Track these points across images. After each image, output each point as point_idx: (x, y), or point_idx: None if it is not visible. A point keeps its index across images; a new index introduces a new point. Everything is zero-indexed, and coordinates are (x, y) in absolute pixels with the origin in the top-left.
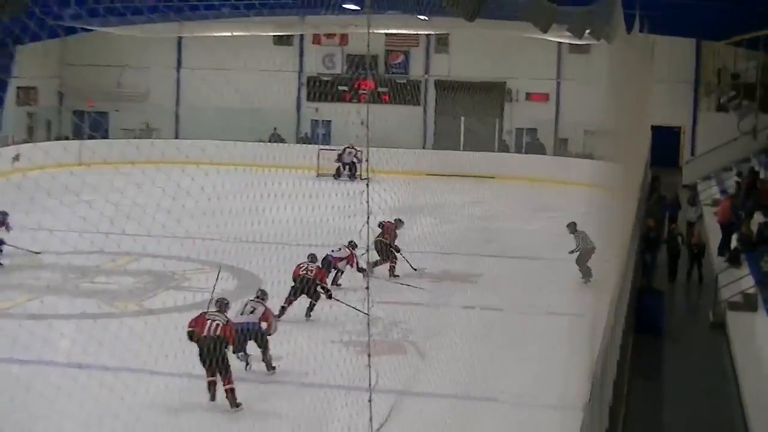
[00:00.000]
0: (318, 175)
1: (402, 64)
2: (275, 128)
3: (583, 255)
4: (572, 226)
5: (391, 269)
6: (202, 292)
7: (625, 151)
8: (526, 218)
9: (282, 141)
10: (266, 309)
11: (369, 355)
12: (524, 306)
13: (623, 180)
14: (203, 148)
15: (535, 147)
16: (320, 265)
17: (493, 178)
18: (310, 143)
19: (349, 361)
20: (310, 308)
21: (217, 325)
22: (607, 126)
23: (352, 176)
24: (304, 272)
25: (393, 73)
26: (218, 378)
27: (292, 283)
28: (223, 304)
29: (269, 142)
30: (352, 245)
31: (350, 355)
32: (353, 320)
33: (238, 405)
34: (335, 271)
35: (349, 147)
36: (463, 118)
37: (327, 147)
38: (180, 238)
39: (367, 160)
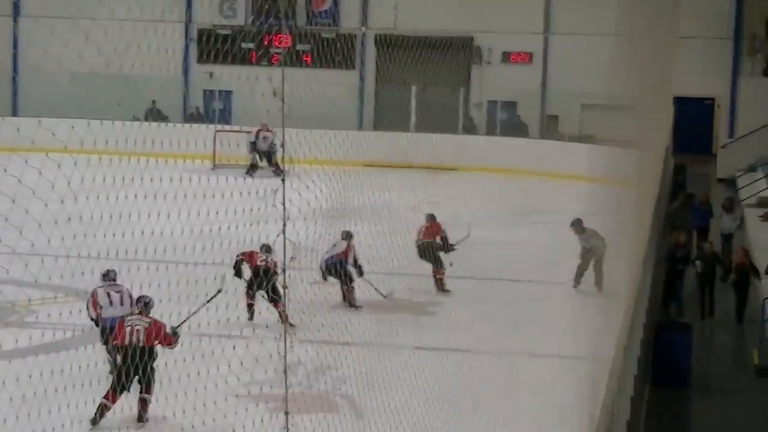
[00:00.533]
0: (215, 167)
1: (329, 12)
2: (154, 101)
3: (587, 257)
4: (578, 226)
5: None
6: (55, 329)
7: (640, 132)
8: (502, 225)
9: (164, 119)
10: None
11: (287, 414)
12: (499, 346)
13: (638, 172)
14: (53, 130)
15: (515, 127)
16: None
17: (455, 170)
18: (203, 122)
19: (260, 422)
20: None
21: (138, 330)
22: (614, 97)
23: (277, 170)
24: (262, 263)
25: (317, 24)
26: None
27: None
28: (144, 303)
29: (145, 120)
30: (265, 250)
31: (261, 413)
32: (266, 364)
33: (145, 420)
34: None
35: (262, 129)
36: (414, 88)
37: (227, 128)
38: (23, 256)
39: (282, 146)
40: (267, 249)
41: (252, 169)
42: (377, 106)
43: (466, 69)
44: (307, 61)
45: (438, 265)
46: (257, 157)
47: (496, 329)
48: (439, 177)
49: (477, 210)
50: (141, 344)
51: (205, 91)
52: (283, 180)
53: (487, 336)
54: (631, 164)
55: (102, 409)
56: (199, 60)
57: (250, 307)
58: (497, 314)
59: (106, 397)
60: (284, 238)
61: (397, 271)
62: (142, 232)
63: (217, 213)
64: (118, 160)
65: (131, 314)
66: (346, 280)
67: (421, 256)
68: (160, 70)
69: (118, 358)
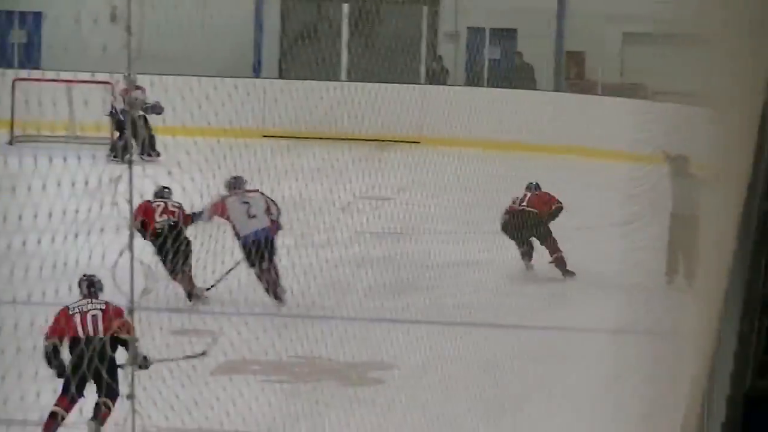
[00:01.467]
0: (12, 141)
1: None
2: None
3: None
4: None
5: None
6: None
7: (720, 79)
8: (487, 234)
9: None
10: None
11: None
12: None
13: (716, 144)
14: None
15: (513, 72)
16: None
17: (415, 142)
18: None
19: None
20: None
21: (94, 317)
22: (676, 22)
23: (146, 149)
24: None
25: None
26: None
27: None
28: (93, 282)
29: None
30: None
31: None
32: None
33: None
34: None
35: (128, 86)
36: (346, 5)
37: (33, 75)
38: None
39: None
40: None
41: (122, 150)
42: (285, 35)
43: None
44: None
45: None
46: (117, 123)
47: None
48: (388, 154)
49: (445, 208)
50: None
51: None
52: (130, 162)
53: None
54: (705, 132)
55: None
56: None
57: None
58: (474, 385)
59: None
60: (131, 258)
61: (307, 310)
62: None
63: (20, 217)
64: None
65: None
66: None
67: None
68: None
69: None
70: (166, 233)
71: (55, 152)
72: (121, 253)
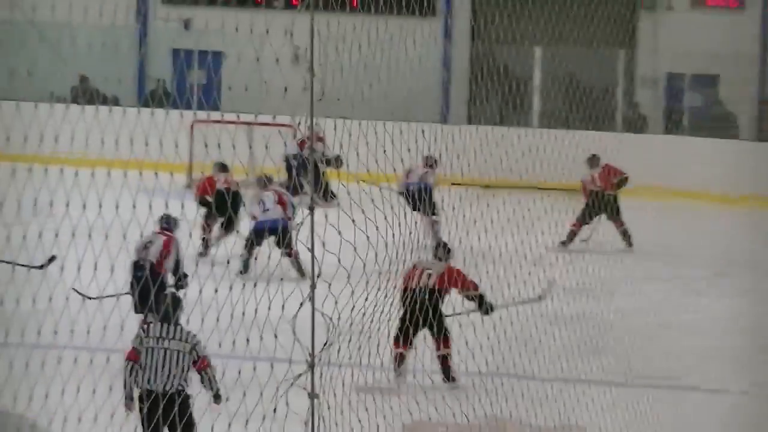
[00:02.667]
0: (191, 185)
1: None
2: (84, 77)
3: None
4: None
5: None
6: None
7: None
8: (689, 291)
9: (104, 101)
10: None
11: None
12: None
13: None
14: None
15: (716, 119)
16: None
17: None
18: (172, 107)
19: None
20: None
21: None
22: None
23: (327, 193)
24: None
25: None
26: None
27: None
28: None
29: (74, 102)
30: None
31: None
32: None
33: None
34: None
35: (306, 135)
36: (538, 50)
37: (213, 117)
38: None
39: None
40: (222, 168)
41: (294, 186)
42: (474, 78)
43: (628, 19)
44: (353, 1)
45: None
46: (292, 169)
47: None
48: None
49: (649, 267)
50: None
51: (175, 52)
52: (311, 209)
53: None
54: None
55: None
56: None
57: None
58: None
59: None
60: (312, 309)
61: None
62: None
63: (196, 264)
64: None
65: None
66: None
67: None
68: (98, 17)
69: None
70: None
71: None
72: (301, 305)
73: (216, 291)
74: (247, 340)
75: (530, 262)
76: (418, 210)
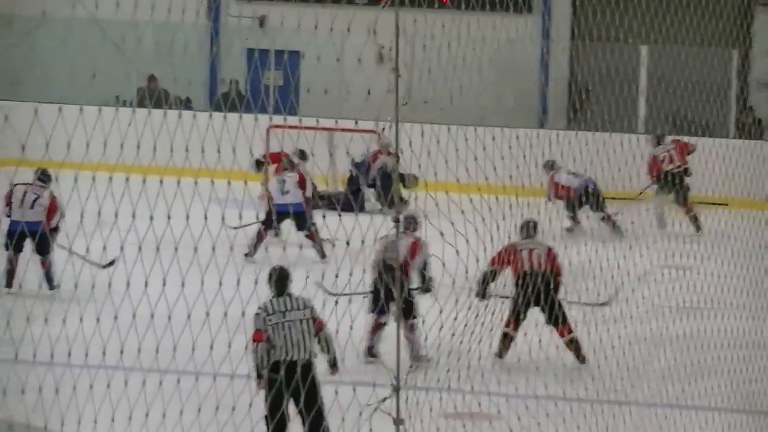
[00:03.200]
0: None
1: None
2: (151, 76)
3: None
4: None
5: None
6: None
7: None
8: None
9: (172, 104)
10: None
11: None
12: None
13: None
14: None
15: None
16: None
17: (724, 204)
18: (247, 111)
19: None
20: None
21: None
22: None
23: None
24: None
25: None
26: None
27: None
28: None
29: (140, 106)
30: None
31: None
32: None
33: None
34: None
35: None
36: (644, 49)
37: (289, 121)
38: None
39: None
40: (302, 155)
41: (354, 192)
42: (574, 80)
43: (743, 16)
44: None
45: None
46: (357, 176)
47: None
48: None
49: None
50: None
51: (249, 52)
52: (397, 221)
53: None
54: None
55: None
56: None
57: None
58: None
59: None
60: (398, 330)
61: None
62: None
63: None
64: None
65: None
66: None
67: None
68: (167, 15)
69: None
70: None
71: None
72: (385, 324)
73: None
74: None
75: (634, 278)
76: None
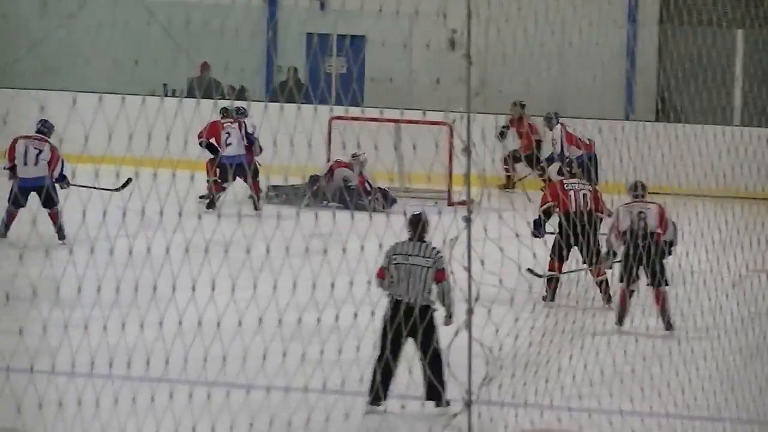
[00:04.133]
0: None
1: None
2: (205, 63)
3: None
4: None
5: None
6: None
7: None
8: None
9: (226, 93)
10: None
11: None
12: None
13: None
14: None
15: None
16: None
17: None
18: (306, 101)
19: None
20: None
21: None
22: None
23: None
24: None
25: None
26: None
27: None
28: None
29: (189, 95)
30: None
31: None
32: None
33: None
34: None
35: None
36: (740, 32)
37: (352, 112)
38: None
39: (468, 152)
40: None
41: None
42: (663, 68)
43: None
44: None
45: None
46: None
47: None
48: None
49: None
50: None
51: (309, 37)
52: (468, 220)
53: None
54: None
55: None
56: None
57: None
58: None
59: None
60: (469, 338)
61: None
62: None
63: (333, 286)
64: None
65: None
66: None
67: None
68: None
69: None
70: None
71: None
72: (456, 333)
73: (356, 316)
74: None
75: (728, 284)
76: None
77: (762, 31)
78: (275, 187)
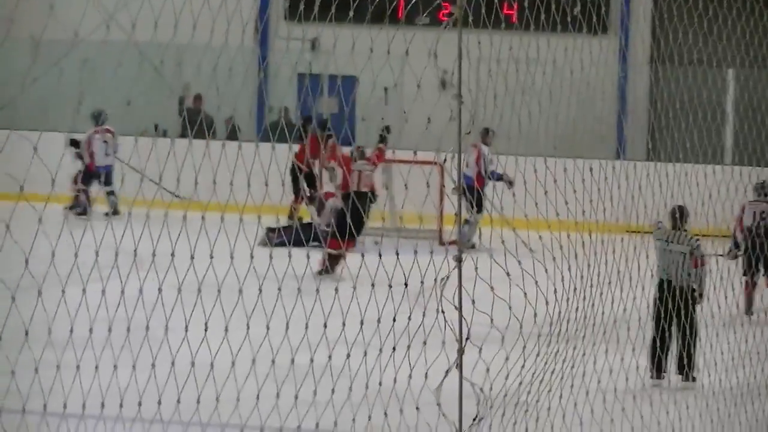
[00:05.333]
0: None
1: None
2: (198, 95)
3: None
4: None
5: None
6: None
7: None
8: None
9: (216, 132)
10: None
11: None
12: None
13: None
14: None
15: None
16: None
17: None
18: (296, 139)
19: None
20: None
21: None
22: None
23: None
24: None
25: None
26: None
27: None
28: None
29: (182, 136)
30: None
31: None
32: None
33: None
34: None
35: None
36: (731, 72)
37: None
38: None
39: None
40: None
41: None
42: (654, 106)
43: None
44: (510, 17)
45: None
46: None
47: None
48: None
49: None
50: None
51: (301, 77)
52: (459, 261)
53: None
54: None
55: None
56: (290, 16)
57: None
58: None
59: None
60: (460, 378)
61: None
62: None
63: (324, 326)
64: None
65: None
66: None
67: None
68: (210, 36)
69: None
70: None
71: (368, 246)
72: (447, 373)
73: (348, 357)
74: (385, 414)
75: (719, 322)
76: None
77: (752, 70)
78: (272, 229)
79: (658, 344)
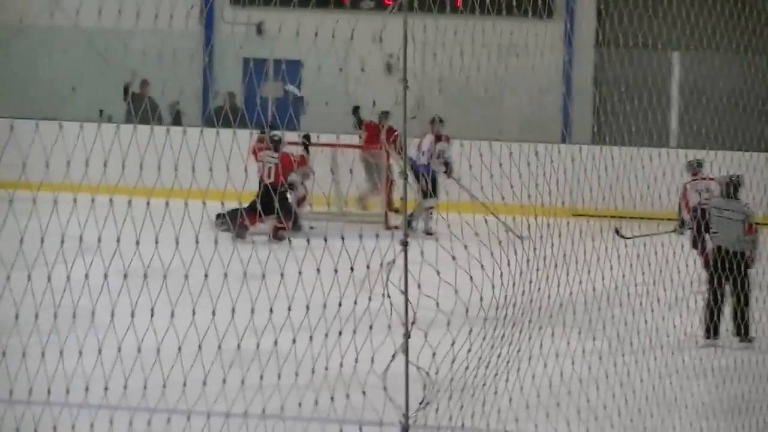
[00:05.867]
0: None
1: None
2: (144, 80)
3: None
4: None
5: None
6: None
7: None
8: None
9: (160, 117)
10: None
11: None
12: None
13: None
14: None
15: None
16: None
17: None
18: (242, 126)
19: None
20: None
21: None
22: None
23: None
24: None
25: None
26: None
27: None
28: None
29: (128, 122)
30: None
31: None
32: None
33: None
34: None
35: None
36: (675, 54)
37: (293, 136)
38: None
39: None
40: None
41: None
42: (599, 90)
43: None
44: (456, 1)
45: None
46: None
47: None
48: None
49: None
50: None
51: (246, 61)
52: (405, 244)
53: None
54: None
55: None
56: (235, 0)
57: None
58: None
59: None
60: (406, 362)
61: None
62: None
63: (271, 311)
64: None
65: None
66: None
67: None
68: (154, 22)
69: None
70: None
71: (315, 232)
72: (393, 357)
73: (294, 341)
74: (332, 399)
75: (664, 306)
76: None
77: (697, 53)
78: (220, 215)
79: (713, 307)
